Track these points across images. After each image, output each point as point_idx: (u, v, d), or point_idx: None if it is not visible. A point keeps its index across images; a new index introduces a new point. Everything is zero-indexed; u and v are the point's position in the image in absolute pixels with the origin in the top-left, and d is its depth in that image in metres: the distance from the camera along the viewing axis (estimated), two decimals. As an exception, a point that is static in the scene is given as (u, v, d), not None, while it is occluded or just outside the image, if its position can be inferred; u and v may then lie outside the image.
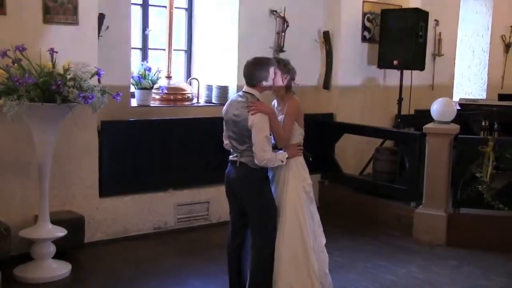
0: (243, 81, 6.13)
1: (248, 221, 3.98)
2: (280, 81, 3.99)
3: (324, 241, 4.15)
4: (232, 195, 4.03)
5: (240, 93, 3.98)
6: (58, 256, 4.70)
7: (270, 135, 3.82)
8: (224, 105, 6.56)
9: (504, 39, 9.45)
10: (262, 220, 3.91)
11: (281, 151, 3.87)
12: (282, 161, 3.84)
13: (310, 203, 4.08)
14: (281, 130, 3.89)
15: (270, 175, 4.04)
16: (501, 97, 8.50)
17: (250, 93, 3.90)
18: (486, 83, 9.47)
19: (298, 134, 4.01)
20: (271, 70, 3.91)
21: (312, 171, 4.21)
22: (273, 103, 4.19)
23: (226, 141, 4.07)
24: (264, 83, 3.89)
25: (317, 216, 4.13)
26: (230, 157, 3.98)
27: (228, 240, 4.13)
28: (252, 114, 3.74)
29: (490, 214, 5.68)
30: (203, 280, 4.64)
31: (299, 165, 4.02)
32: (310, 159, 4.20)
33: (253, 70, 3.90)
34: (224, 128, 4.04)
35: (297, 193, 3.96)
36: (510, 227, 5.68)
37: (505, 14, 9.44)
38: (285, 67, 4.06)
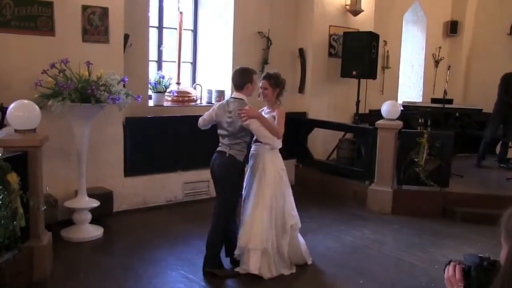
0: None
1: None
2: (255, 89, 3.95)
3: (291, 222, 3.95)
4: (214, 178, 3.94)
5: (230, 99, 3.89)
6: (93, 221, 4.75)
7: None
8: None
9: (434, 56, 9.55)
10: (230, 199, 3.88)
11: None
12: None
13: (285, 186, 4.00)
14: (274, 126, 3.84)
15: (250, 163, 3.99)
16: (433, 100, 8.60)
17: (239, 98, 3.82)
18: (422, 89, 9.53)
19: None
20: (254, 76, 3.89)
21: (289, 157, 4.17)
22: (262, 109, 4.09)
23: (206, 127, 4.01)
24: (250, 86, 3.83)
25: (290, 198, 4.03)
26: (219, 148, 3.89)
27: None
28: (243, 121, 3.69)
29: (424, 189, 5.75)
30: (204, 241, 4.61)
31: (274, 155, 3.97)
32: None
33: (240, 76, 3.85)
34: (215, 121, 3.93)
35: (273, 178, 3.90)
36: (438, 199, 5.78)
37: (435, 38, 9.54)
38: (276, 81, 3.96)
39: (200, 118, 4.04)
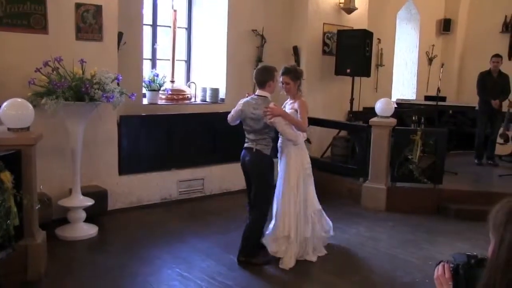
0: (231, 84, 6.08)
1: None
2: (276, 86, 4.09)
3: (318, 206, 4.31)
4: (246, 173, 4.12)
5: (255, 96, 4.03)
6: (87, 220, 4.73)
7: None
8: (216, 103, 6.63)
9: (428, 54, 9.59)
10: (263, 192, 4.03)
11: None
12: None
13: (308, 178, 4.21)
14: (299, 121, 4.02)
15: (279, 152, 4.18)
16: (426, 98, 8.64)
17: (263, 96, 3.97)
18: (416, 87, 9.58)
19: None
20: (275, 73, 4.02)
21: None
22: (287, 101, 4.29)
23: (235, 123, 4.14)
24: (271, 84, 3.97)
25: (312, 188, 4.27)
26: (246, 145, 4.05)
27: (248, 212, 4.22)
28: (269, 119, 3.83)
29: (418, 186, 5.78)
30: (200, 239, 4.67)
31: (299, 149, 4.16)
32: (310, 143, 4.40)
33: (261, 74, 3.98)
34: (241, 119, 4.08)
35: (297, 170, 4.11)
36: (432, 197, 5.81)
37: (428, 36, 9.57)
38: (296, 74, 4.14)
39: (229, 115, 4.18)
